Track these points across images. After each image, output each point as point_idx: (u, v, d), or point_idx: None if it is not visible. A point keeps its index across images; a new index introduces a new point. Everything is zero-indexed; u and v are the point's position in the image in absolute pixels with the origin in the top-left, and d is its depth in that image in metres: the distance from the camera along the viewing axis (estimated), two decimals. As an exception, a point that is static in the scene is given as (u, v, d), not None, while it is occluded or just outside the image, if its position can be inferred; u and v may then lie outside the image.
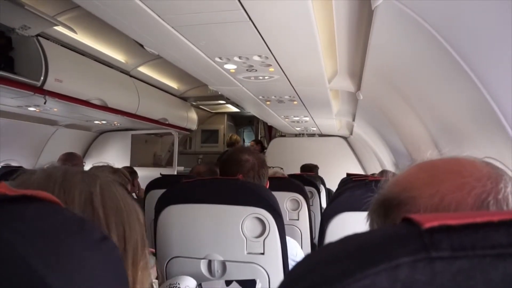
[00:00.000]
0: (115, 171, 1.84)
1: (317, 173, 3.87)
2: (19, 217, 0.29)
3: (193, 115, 5.29)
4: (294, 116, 3.91)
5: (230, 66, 2.08)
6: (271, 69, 2.10)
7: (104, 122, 4.27)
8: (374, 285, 0.19)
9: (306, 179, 2.57)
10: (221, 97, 4.46)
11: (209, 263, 1.25)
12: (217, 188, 1.25)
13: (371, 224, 0.49)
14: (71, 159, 2.61)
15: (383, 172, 2.50)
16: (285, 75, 2.22)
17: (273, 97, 2.93)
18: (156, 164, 5.43)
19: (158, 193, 1.34)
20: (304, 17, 1.41)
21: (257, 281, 1.14)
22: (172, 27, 1.53)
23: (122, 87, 3.61)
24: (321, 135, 5.29)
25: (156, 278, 1.28)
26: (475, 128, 1.28)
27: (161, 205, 1.28)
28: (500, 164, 1.18)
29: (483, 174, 0.41)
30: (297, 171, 3.68)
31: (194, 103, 5.27)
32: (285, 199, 2.04)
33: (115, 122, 4.33)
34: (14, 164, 3.78)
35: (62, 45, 2.90)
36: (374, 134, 3.65)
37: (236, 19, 1.43)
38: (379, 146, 3.90)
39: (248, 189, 1.23)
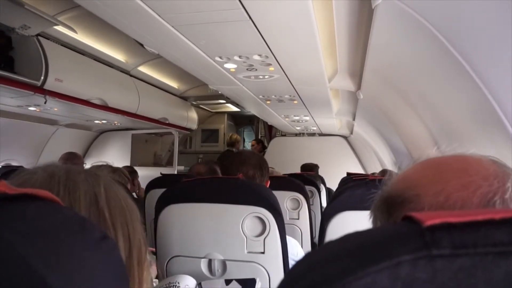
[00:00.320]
0: (114, 170, 1.84)
1: (317, 172, 3.87)
2: (19, 216, 0.29)
3: (193, 115, 5.29)
4: (294, 116, 3.91)
5: (230, 65, 2.08)
6: (271, 68, 2.10)
7: (104, 121, 4.27)
8: (375, 283, 0.19)
9: (307, 178, 2.57)
10: (221, 96, 4.46)
11: (209, 262, 1.25)
12: (218, 187, 1.25)
13: (374, 221, 0.48)
14: (72, 159, 2.62)
15: (384, 172, 2.50)
16: (285, 74, 2.22)
17: (273, 96, 2.92)
18: (156, 163, 5.43)
19: (158, 192, 1.34)
20: (304, 16, 1.40)
21: (257, 280, 1.14)
22: (172, 27, 1.53)
23: (122, 87, 3.62)
24: (321, 134, 5.29)
25: (156, 277, 1.28)
26: (476, 128, 1.28)
27: (161, 205, 1.28)
28: (500, 163, 1.18)
29: (490, 173, 0.40)
30: (297, 170, 3.68)
31: (194, 103, 5.27)
32: (285, 198, 2.04)
33: (115, 122, 4.33)
34: (14, 163, 3.78)
35: (62, 45, 2.90)
36: (374, 133, 3.65)
37: (236, 18, 1.42)
38: (380, 146, 3.90)
39: (249, 188, 1.23)
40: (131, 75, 3.79)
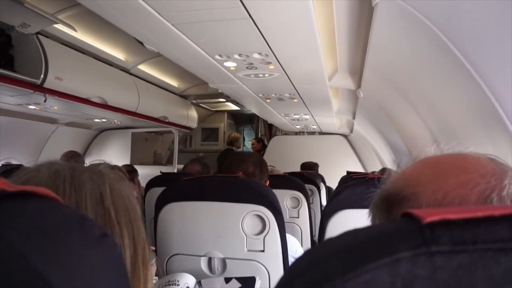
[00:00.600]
0: (112, 168, 1.83)
1: (317, 171, 3.87)
2: (19, 213, 0.29)
3: (193, 113, 5.28)
4: (294, 114, 3.91)
5: (230, 64, 2.08)
6: (271, 66, 2.09)
7: (104, 120, 4.27)
8: (374, 279, 0.19)
9: (306, 177, 2.58)
10: (221, 95, 4.46)
11: (209, 261, 1.25)
12: (217, 186, 1.25)
13: (373, 220, 0.49)
14: (73, 158, 2.62)
15: (383, 170, 2.50)
16: (285, 72, 2.22)
17: (273, 95, 2.92)
18: (156, 162, 5.43)
19: (158, 191, 1.34)
20: (304, 15, 1.40)
21: (257, 278, 1.14)
22: (172, 25, 1.53)
23: (122, 85, 3.61)
24: (321, 133, 5.28)
25: (156, 275, 1.28)
26: (476, 126, 1.28)
27: (161, 203, 1.28)
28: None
29: (488, 171, 0.40)
30: (297, 169, 3.68)
31: (194, 101, 5.26)
32: (285, 197, 2.04)
33: (115, 120, 4.33)
34: (14, 162, 3.78)
35: (62, 43, 2.90)
36: (374, 132, 3.65)
37: (236, 17, 1.42)
38: (379, 144, 3.90)
39: (248, 186, 1.23)
40: (131, 74, 3.79)
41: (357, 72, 2.26)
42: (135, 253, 0.48)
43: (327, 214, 1.16)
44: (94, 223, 0.34)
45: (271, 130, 5.93)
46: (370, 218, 0.49)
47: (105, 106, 3.45)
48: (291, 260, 1.29)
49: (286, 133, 5.60)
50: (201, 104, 5.71)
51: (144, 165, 4.58)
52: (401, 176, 0.46)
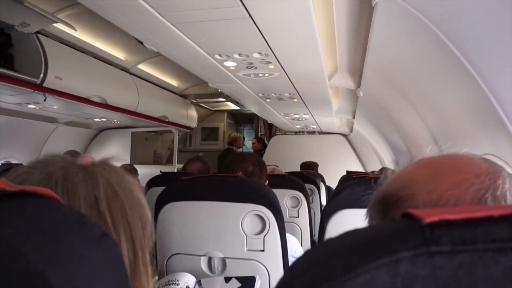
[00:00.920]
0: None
1: (317, 170, 3.87)
2: (19, 213, 0.29)
3: (193, 113, 5.28)
4: (294, 114, 3.91)
5: (230, 64, 2.08)
6: (271, 66, 2.09)
7: (104, 119, 4.27)
8: (374, 279, 0.19)
9: (306, 176, 2.58)
10: (221, 94, 4.46)
11: (209, 260, 1.25)
12: (217, 186, 1.25)
13: (370, 221, 0.49)
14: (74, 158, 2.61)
15: (383, 170, 2.50)
16: (285, 72, 2.22)
17: (273, 94, 2.92)
18: (156, 161, 5.43)
19: (158, 190, 1.34)
20: (304, 14, 1.40)
21: (257, 278, 1.14)
22: (172, 24, 1.53)
23: (122, 85, 3.61)
24: (321, 132, 5.28)
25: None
26: (476, 126, 1.28)
27: (161, 202, 1.28)
28: (501, 162, 1.18)
29: (482, 171, 0.41)
30: (297, 168, 3.68)
31: (194, 101, 5.26)
32: (285, 197, 2.04)
33: (115, 120, 4.32)
34: (14, 161, 3.78)
35: (61, 42, 2.89)
36: (374, 131, 3.65)
37: (236, 16, 1.42)
38: (379, 144, 3.90)
39: (248, 186, 1.23)
40: (130, 73, 3.79)
41: (357, 71, 2.26)
42: (134, 256, 0.48)
43: (327, 213, 1.17)
44: (94, 223, 0.34)
45: (271, 129, 5.93)
46: (367, 220, 0.49)
47: (105, 105, 3.45)
48: (291, 259, 1.29)
49: (286, 133, 5.60)
50: (201, 104, 5.70)
51: (144, 164, 4.58)
52: (397, 177, 0.47)
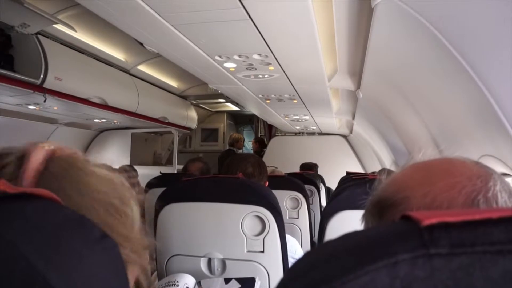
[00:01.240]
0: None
1: (316, 171, 3.88)
2: (19, 214, 0.29)
3: (193, 114, 5.28)
4: (294, 115, 3.91)
5: (230, 65, 2.08)
6: (271, 67, 2.10)
7: (104, 120, 4.27)
8: (373, 281, 0.19)
9: (306, 177, 2.58)
10: (221, 95, 4.46)
11: (209, 261, 1.25)
12: (217, 187, 1.25)
13: (366, 226, 0.50)
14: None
15: (383, 171, 2.50)
16: (285, 73, 2.22)
17: (273, 95, 2.92)
18: (156, 162, 5.43)
19: (158, 191, 1.34)
20: (304, 16, 1.40)
21: (257, 279, 1.14)
22: (172, 26, 1.53)
23: (122, 86, 3.61)
24: (321, 133, 5.29)
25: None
26: (475, 127, 1.28)
27: (161, 203, 1.28)
28: (500, 163, 1.18)
29: (474, 173, 0.42)
30: (297, 169, 3.68)
31: (194, 102, 5.27)
32: (285, 198, 2.04)
33: (115, 121, 4.32)
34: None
35: (61, 43, 2.90)
36: (374, 132, 3.65)
37: (236, 18, 1.42)
38: (379, 145, 3.91)
39: (248, 187, 1.23)
40: (130, 74, 3.79)
41: (356, 73, 2.26)
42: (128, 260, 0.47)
43: (326, 215, 1.17)
44: (94, 224, 0.34)
45: (270, 130, 5.93)
46: (363, 225, 0.50)
47: (104, 106, 3.45)
48: (290, 261, 1.29)
49: (286, 134, 5.61)
50: (200, 105, 5.71)
51: (143, 165, 4.58)
52: (390, 182, 0.48)
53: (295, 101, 3.06)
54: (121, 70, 3.63)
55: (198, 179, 1.32)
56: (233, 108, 5.85)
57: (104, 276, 0.32)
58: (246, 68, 2.14)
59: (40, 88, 2.71)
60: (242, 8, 1.33)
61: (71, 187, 0.43)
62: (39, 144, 0.47)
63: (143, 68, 3.85)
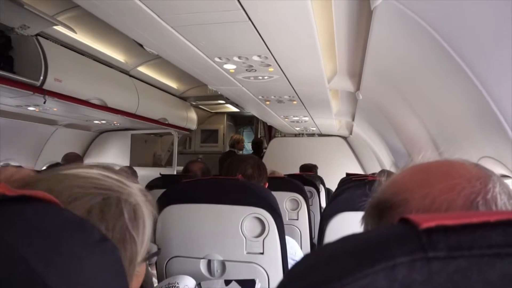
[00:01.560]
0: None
1: (316, 172, 3.88)
2: (19, 217, 0.29)
3: (193, 115, 5.28)
4: (294, 116, 3.91)
5: (230, 66, 2.08)
6: (271, 69, 2.10)
7: (103, 121, 4.27)
8: (372, 284, 0.19)
9: (306, 179, 2.58)
10: (220, 97, 4.46)
11: (209, 263, 1.25)
12: (217, 188, 1.25)
13: (365, 228, 0.50)
14: (76, 161, 2.62)
15: (382, 172, 2.50)
16: (285, 75, 2.22)
17: (272, 97, 2.93)
18: (155, 164, 5.43)
19: (157, 192, 1.34)
20: (303, 17, 1.41)
21: (257, 281, 1.14)
22: (172, 27, 1.53)
23: (121, 87, 3.61)
24: (320, 135, 5.29)
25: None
26: (475, 128, 1.28)
27: (161, 205, 1.28)
28: (499, 164, 1.18)
29: (473, 175, 0.42)
30: (297, 171, 3.68)
31: (193, 103, 5.27)
32: (284, 199, 2.04)
33: (115, 122, 4.32)
34: (13, 163, 3.78)
35: (61, 45, 2.90)
36: (373, 134, 3.65)
37: (235, 19, 1.43)
38: (379, 146, 3.91)
39: (248, 189, 1.23)
40: (130, 75, 3.79)
41: (356, 74, 2.26)
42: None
43: (326, 216, 1.17)
44: (94, 227, 0.34)
45: (270, 132, 5.93)
46: (362, 227, 0.50)
47: (104, 107, 3.45)
48: (290, 262, 1.29)
49: (286, 135, 5.61)
50: (200, 106, 5.71)
51: (143, 166, 4.58)
52: (390, 184, 0.48)
53: (294, 102, 3.07)
54: (121, 71, 3.63)
55: (198, 181, 1.32)
56: (233, 109, 5.85)
57: (103, 278, 0.32)
58: (246, 70, 2.14)
59: (39, 90, 2.71)
60: (242, 10, 1.34)
61: None
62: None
63: (143, 69, 3.85)
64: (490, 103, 1.02)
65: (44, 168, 4.09)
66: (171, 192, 1.30)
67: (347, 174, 2.05)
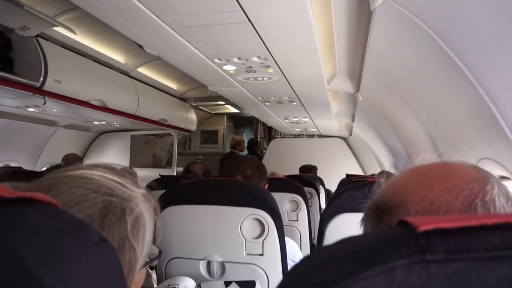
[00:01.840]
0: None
1: (316, 173, 3.88)
2: (18, 219, 0.30)
3: (193, 116, 5.29)
4: (294, 117, 3.91)
5: (229, 67, 2.08)
6: (270, 70, 2.10)
7: (103, 122, 4.27)
8: (371, 286, 0.19)
9: (305, 180, 2.58)
10: (220, 97, 4.46)
11: (208, 264, 1.25)
12: (217, 189, 1.25)
13: (365, 230, 0.50)
14: (76, 162, 2.62)
15: (382, 173, 2.50)
16: (284, 76, 2.22)
17: (272, 98, 2.93)
18: (155, 164, 5.43)
19: (157, 194, 1.34)
20: (303, 19, 1.41)
21: (256, 282, 1.14)
22: (172, 29, 1.53)
23: (121, 88, 3.62)
24: (320, 136, 5.29)
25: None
26: (474, 129, 1.28)
27: (160, 206, 1.28)
28: (498, 166, 1.18)
29: (471, 177, 0.42)
30: (296, 171, 3.68)
31: (193, 104, 5.27)
32: (284, 200, 2.04)
33: (115, 123, 4.33)
34: (13, 164, 3.78)
35: (61, 46, 2.90)
36: (373, 135, 3.65)
37: (235, 21, 1.43)
38: (379, 147, 3.91)
39: (247, 190, 1.23)
40: (130, 76, 3.79)
41: (356, 75, 2.27)
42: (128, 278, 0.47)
43: (326, 217, 1.17)
44: (93, 229, 0.34)
45: (270, 132, 5.93)
46: (362, 229, 0.50)
47: (104, 108, 3.45)
48: (290, 264, 1.29)
49: (285, 136, 5.61)
50: (200, 107, 5.71)
51: (143, 167, 4.58)
52: (389, 186, 0.48)
53: (294, 103, 3.07)
54: (120, 72, 3.63)
55: (198, 182, 1.32)
56: (233, 110, 5.85)
57: (102, 279, 0.32)
58: (246, 71, 2.14)
59: (39, 91, 2.71)
60: (241, 11, 1.34)
61: None
62: None
63: (143, 70, 3.86)
64: (489, 104, 1.02)
65: (44, 169, 4.10)
66: (171, 193, 1.30)
67: (347, 175, 2.04)
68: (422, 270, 0.19)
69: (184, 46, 1.73)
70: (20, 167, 3.19)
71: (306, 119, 3.96)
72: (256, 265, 1.21)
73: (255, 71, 2.14)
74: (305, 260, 0.26)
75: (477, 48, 0.99)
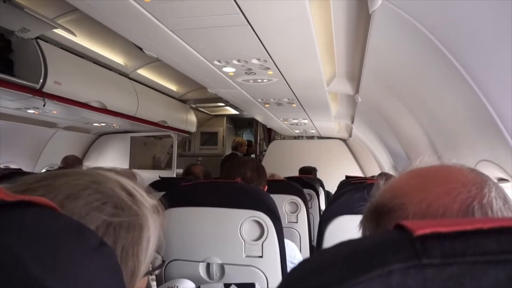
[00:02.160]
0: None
1: (316, 175, 3.87)
2: (18, 222, 0.30)
3: (192, 118, 5.29)
4: (293, 119, 3.92)
5: (229, 69, 2.08)
6: (270, 72, 2.10)
7: (103, 124, 4.27)
8: None
9: (305, 181, 2.57)
10: (220, 99, 4.47)
11: (208, 266, 1.25)
12: (216, 191, 1.25)
13: (363, 232, 0.50)
14: (76, 163, 2.62)
15: (382, 175, 2.50)
16: (284, 78, 2.23)
17: (272, 100, 2.93)
18: (155, 166, 5.43)
19: (157, 196, 1.34)
20: (302, 21, 1.41)
21: (256, 284, 1.13)
22: (171, 31, 1.54)
23: (121, 90, 3.62)
24: (320, 137, 5.29)
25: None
26: (473, 132, 1.28)
27: (160, 208, 1.28)
28: (497, 167, 1.18)
29: (469, 180, 0.42)
30: (296, 173, 3.68)
31: (193, 106, 5.27)
32: (283, 202, 2.04)
33: (114, 125, 4.33)
34: (13, 166, 3.77)
35: (61, 48, 2.90)
36: (373, 136, 3.66)
37: (234, 23, 1.43)
38: (378, 149, 3.91)
39: (247, 192, 1.23)
40: (130, 78, 3.80)
41: (355, 77, 2.27)
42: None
43: (325, 219, 1.17)
44: (92, 232, 0.34)
45: (270, 134, 5.93)
46: (361, 231, 0.50)
47: (104, 110, 3.45)
48: (289, 266, 1.29)
49: (285, 137, 5.61)
50: (200, 108, 5.71)
51: (143, 169, 4.57)
52: (387, 188, 0.48)
53: (294, 105, 3.07)
54: (120, 74, 3.63)
55: (197, 184, 1.31)
56: (233, 111, 5.85)
57: (102, 282, 0.32)
58: (245, 73, 2.14)
59: (39, 92, 2.72)
60: (241, 14, 1.34)
61: None
62: None
63: (143, 72, 3.86)
64: (487, 107, 1.02)
65: (44, 170, 4.10)
66: (170, 195, 1.30)
67: (347, 177, 2.04)
68: (418, 274, 0.19)
69: (184, 48, 1.74)
70: (20, 169, 3.19)
71: (306, 121, 3.96)
72: (255, 267, 1.21)
73: (255, 73, 2.14)
74: (303, 263, 0.26)
75: (476, 50, 0.99)
